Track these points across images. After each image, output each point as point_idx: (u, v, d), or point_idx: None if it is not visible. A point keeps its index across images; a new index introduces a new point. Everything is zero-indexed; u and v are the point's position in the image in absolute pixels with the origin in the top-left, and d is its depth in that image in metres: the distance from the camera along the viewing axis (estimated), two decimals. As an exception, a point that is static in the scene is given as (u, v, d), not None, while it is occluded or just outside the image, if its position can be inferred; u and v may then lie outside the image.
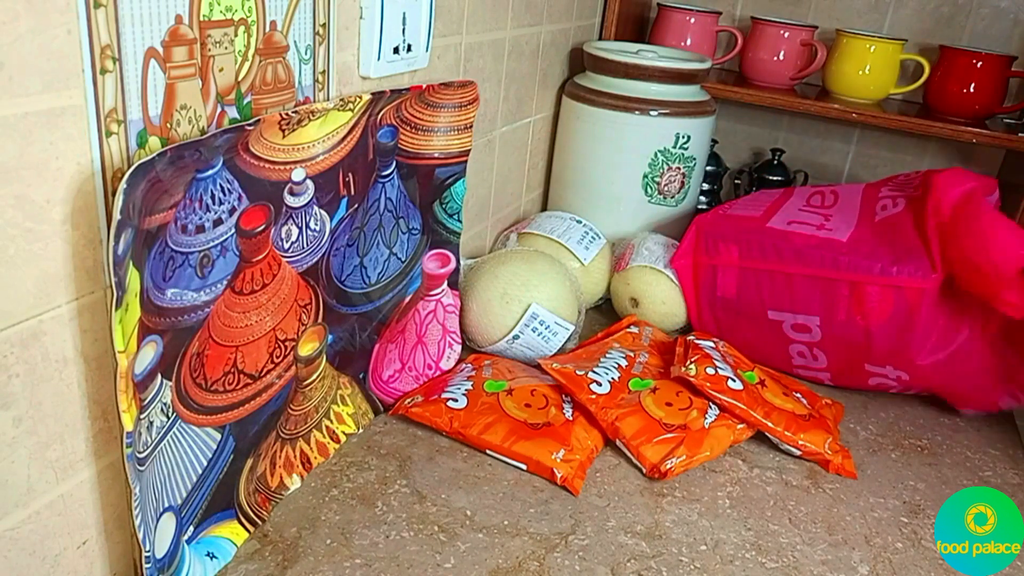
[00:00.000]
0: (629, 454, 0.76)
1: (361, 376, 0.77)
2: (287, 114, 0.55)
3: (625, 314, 1.02)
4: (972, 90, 1.16)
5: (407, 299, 0.80)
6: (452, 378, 0.82)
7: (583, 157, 1.12)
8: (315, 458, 0.70)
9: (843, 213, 0.95)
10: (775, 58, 1.25)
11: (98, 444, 0.52)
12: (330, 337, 0.70)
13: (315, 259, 0.65)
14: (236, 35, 0.54)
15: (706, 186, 1.33)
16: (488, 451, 0.74)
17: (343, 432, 0.74)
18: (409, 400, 0.79)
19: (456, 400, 0.77)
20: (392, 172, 0.72)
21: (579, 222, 1.07)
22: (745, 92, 1.23)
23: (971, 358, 0.85)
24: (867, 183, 1.02)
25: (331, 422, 0.73)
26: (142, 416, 0.49)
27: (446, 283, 0.84)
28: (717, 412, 0.79)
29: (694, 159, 1.12)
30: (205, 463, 0.58)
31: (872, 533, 0.71)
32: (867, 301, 0.85)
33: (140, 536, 0.49)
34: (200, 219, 0.51)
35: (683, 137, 1.09)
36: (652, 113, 1.07)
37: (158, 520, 0.53)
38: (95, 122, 0.45)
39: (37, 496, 0.48)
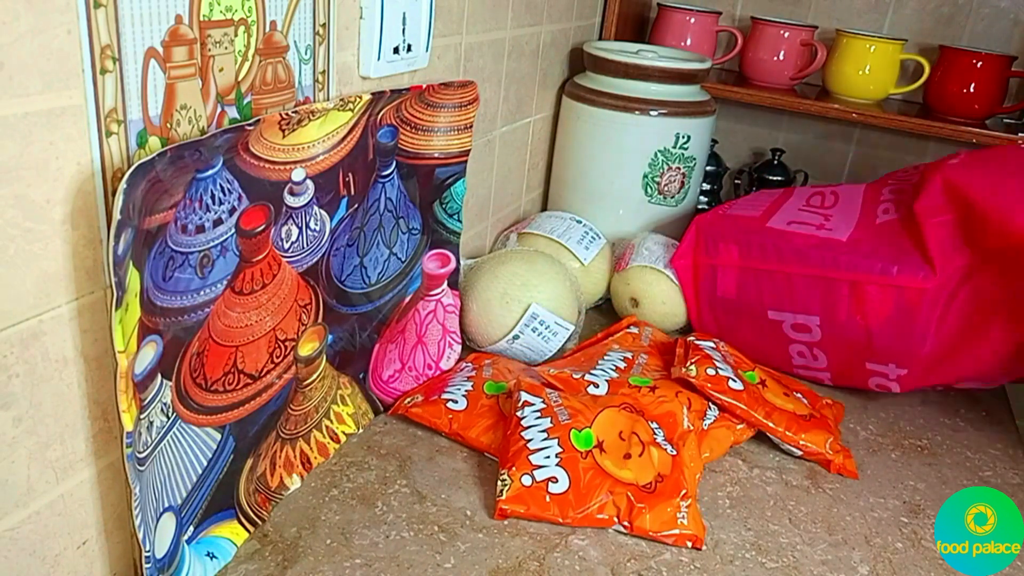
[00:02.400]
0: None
1: (361, 376, 0.77)
2: (287, 114, 0.55)
3: (625, 314, 1.02)
4: (972, 90, 1.16)
5: (407, 299, 0.80)
6: (452, 378, 0.82)
7: (583, 157, 1.12)
8: (315, 458, 0.70)
9: (843, 213, 0.94)
10: (775, 58, 1.25)
11: (98, 444, 0.52)
12: (330, 337, 0.70)
13: (315, 259, 0.65)
14: (236, 35, 0.54)
15: (706, 186, 1.33)
16: (487, 453, 0.74)
17: (343, 432, 0.74)
18: (409, 400, 0.79)
19: (456, 401, 0.77)
20: (392, 172, 0.72)
21: (579, 222, 1.07)
22: (745, 92, 1.23)
23: (974, 351, 0.85)
24: (868, 183, 1.02)
25: (331, 422, 0.73)
26: (142, 416, 0.49)
27: (446, 283, 0.84)
28: (717, 413, 0.79)
29: (694, 159, 1.12)
30: (205, 463, 0.58)
31: (872, 533, 0.71)
32: (867, 301, 0.85)
33: (140, 536, 0.49)
34: (200, 219, 0.51)
35: (683, 137, 1.09)
36: (652, 113, 1.07)
37: (158, 520, 0.53)
38: (95, 122, 0.45)
39: (37, 496, 0.48)
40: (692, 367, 0.80)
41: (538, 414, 0.71)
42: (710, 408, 0.79)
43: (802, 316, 0.89)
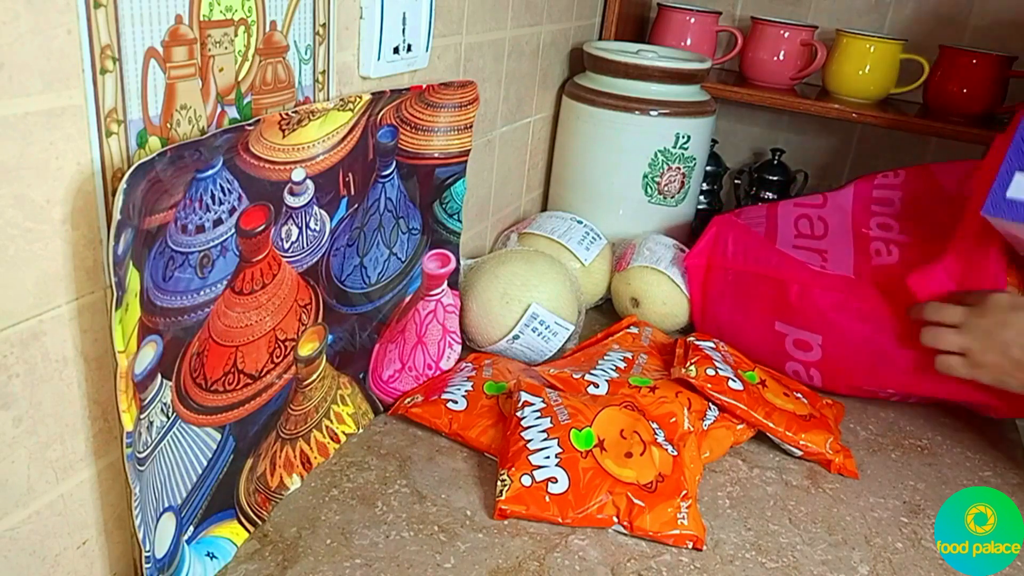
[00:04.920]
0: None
1: (361, 376, 0.77)
2: (287, 114, 0.55)
3: (626, 314, 1.02)
4: (972, 90, 1.16)
5: (407, 299, 0.80)
6: (452, 378, 0.82)
7: (583, 157, 1.12)
8: (315, 458, 0.70)
9: (838, 252, 0.94)
10: (775, 58, 1.25)
11: (98, 444, 0.52)
12: (330, 337, 0.70)
13: (315, 259, 0.65)
14: (236, 35, 0.54)
15: (706, 186, 1.33)
16: (487, 453, 0.74)
17: (343, 432, 0.74)
18: (409, 400, 0.79)
19: (456, 402, 0.77)
20: (392, 172, 0.72)
21: (580, 222, 1.07)
22: (745, 92, 1.23)
23: None
24: (853, 208, 0.99)
25: (331, 422, 0.73)
26: (142, 416, 0.49)
27: (446, 283, 0.84)
28: (717, 413, 0.79)
29: (694, 159, 1.12)
30: (205, 463, 0.58)
31: (872, 533, 0.71)
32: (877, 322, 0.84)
33: (140, 536, 0.49)
34: (200, 219, 0.51)
35: (683, 137, 1.09)
36: (652, 113, 1.07)
37: (158, 520, 0.53)
38: (95, 122, 0.45)
39: (37, 496, 0.48)
40: (692, 367, 0.80)
41: (538, 414, 0.71)
42: (710, 408, 0.79)
43: (806, 333, 0.88)
